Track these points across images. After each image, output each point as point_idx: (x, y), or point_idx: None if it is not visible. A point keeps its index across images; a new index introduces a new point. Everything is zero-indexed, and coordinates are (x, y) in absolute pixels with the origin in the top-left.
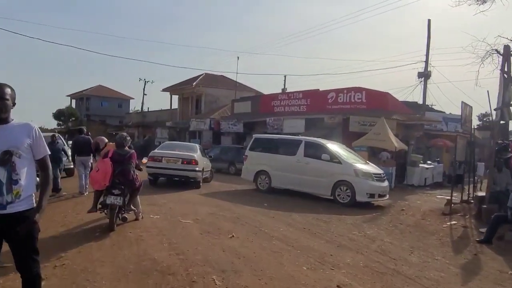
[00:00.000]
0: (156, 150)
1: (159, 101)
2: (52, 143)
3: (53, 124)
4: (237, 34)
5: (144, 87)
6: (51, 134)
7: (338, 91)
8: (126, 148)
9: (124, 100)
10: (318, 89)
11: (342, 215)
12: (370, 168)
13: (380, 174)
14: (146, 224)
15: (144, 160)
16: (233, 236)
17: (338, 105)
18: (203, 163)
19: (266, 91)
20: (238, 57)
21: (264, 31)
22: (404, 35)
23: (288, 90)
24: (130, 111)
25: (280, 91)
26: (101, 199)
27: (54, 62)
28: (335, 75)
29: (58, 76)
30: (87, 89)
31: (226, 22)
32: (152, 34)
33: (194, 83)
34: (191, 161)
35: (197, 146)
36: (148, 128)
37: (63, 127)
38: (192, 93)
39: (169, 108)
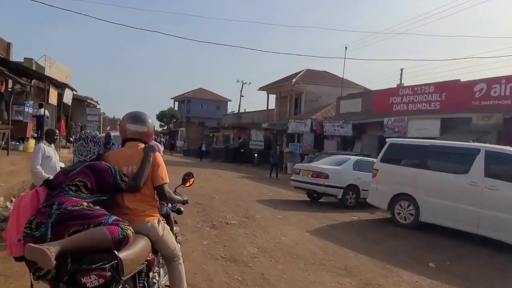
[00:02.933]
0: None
1: (257, 103)
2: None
3: (156, 125)
4: (337, 33)
5: (242, 88)
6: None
7: (491, 81)
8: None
9: (222, 102)
10: (459, 80)
11: None
12: None
13: None
14: None
15: (188, 183)
16: None
17: (491, 99)
18: (355, 179)
19: (376, 88)
20: (346, 47)
21: (368, 27)
22: None
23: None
24: (227, 113)
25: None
26: None
27: (165, 66)
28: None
29: (166, 80)
30: (188, 92)
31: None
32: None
33: (294, 80)
34: (320, 175)
35: (352, 159)
36: (244, 130)
37: (165, 128)
38: (291, 91)
39: (265, 108)
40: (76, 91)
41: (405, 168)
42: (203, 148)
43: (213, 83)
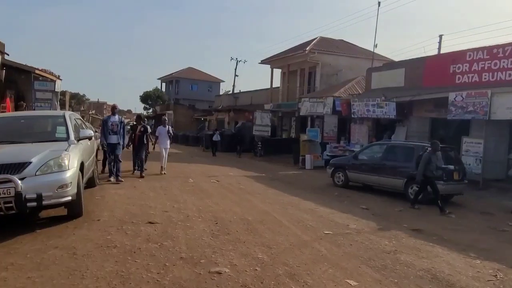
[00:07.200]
0: None
1: (254, 83)
2: None
3: (139, 107)
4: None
5: (236, 67)
6: None
7: None
8: None
9: (214, 83)
10: None
11: None
12: None
13: None
14: None
15: None
16: None
17: None
18: None
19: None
20: (379, 2)
21: None
22: None
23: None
24: (221, 94)
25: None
26: None
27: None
28: None
29: (153, 61)
30: (176, 72)
31: None
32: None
33: (308, 48)
34: None
35: None
36: (241, 112)
37: (150, 110)
38: (303, 63)
39: (268, 87)
40: (7, 53)
41: None
42: (216, 138)
43: (204, 63)
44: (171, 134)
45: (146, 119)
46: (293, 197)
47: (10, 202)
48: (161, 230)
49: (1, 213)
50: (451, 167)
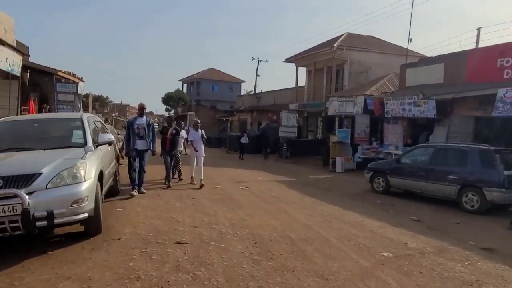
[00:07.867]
0: None
1: (276, 83)
2: None
3: (161, 109)
4: None
5: (257, 66)
6: None
7: None
8: None
9: (235, 83)
10: None
11: None
12: None
13: None
14: None
15: None
16: None
17: None
18: None
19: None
20: None
21: None
22: None
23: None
24: (243, 94)
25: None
26: None
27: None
28: None
29: (175, 63)
30: (198, 73)
31: None
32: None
33: (336, 45)
34: None
35: None
36: (264, 113)
37: (172, 112)
38: (331, 60)
39: (293, 86)
40: (29, 55)
41: None
42: (245, 140)
43: (225, 63)
44: (205, 138)
45: (182, 122)
46: (333, 206)
47: (17, 221)
48: (192, 254)
49: (7, 233)
50: None
